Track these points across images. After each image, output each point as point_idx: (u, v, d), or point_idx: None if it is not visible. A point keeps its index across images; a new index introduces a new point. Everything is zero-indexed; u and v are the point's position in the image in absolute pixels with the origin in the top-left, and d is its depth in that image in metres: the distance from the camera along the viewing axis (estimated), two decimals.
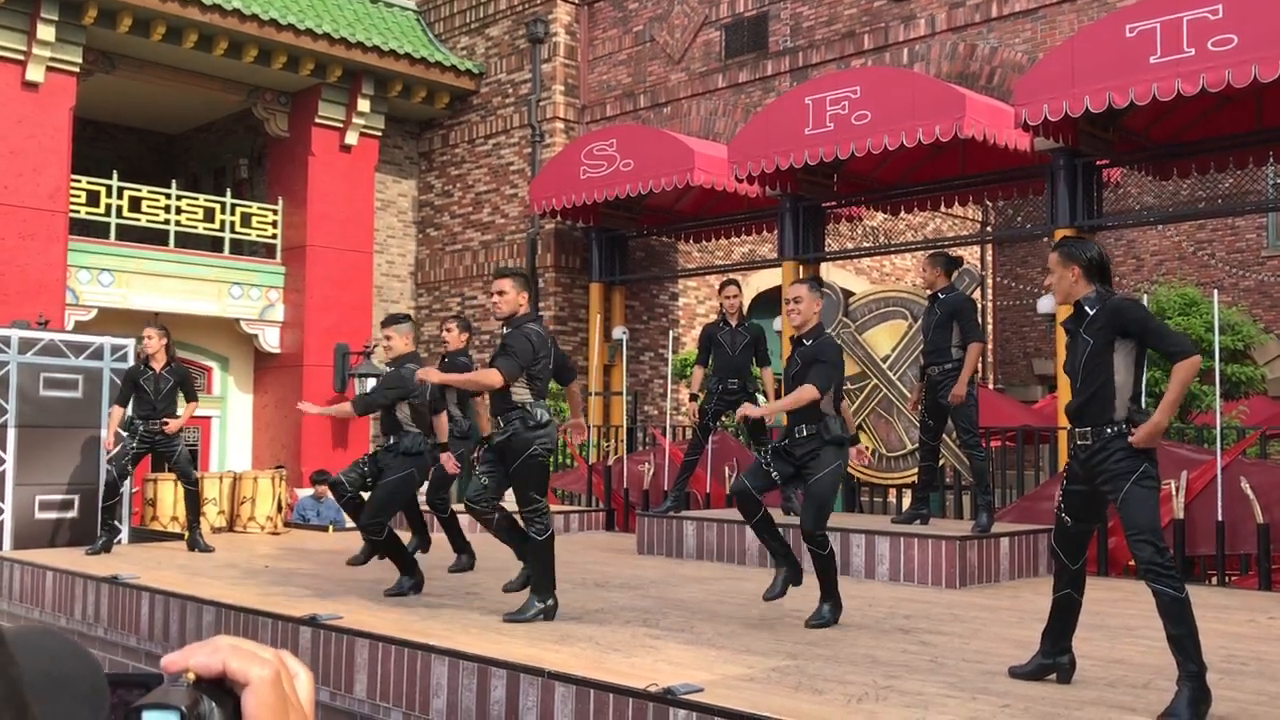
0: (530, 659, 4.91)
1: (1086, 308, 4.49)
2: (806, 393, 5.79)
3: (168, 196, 15.34)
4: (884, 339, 10.24)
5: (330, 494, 13.82)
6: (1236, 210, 14.25)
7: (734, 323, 8.80)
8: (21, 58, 13.50)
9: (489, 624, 5.86)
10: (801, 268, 12.56)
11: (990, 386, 20.06)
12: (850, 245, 15.04)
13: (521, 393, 6.01)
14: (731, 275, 13.35)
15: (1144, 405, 4.50)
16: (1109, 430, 4.36)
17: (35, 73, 13.56)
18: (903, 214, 13.88)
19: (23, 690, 0.75)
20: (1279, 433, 9.27)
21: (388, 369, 7.60)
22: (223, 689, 0.81)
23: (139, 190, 15.17)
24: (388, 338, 7.35)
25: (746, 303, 17.09)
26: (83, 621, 7.78)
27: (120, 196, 14.95)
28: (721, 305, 8.92)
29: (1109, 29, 9.36)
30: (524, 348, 5.98)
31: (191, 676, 0.80)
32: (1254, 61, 8.49)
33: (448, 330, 8.69)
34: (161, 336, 9.29)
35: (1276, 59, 8.40)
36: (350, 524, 13.44)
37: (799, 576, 6.01)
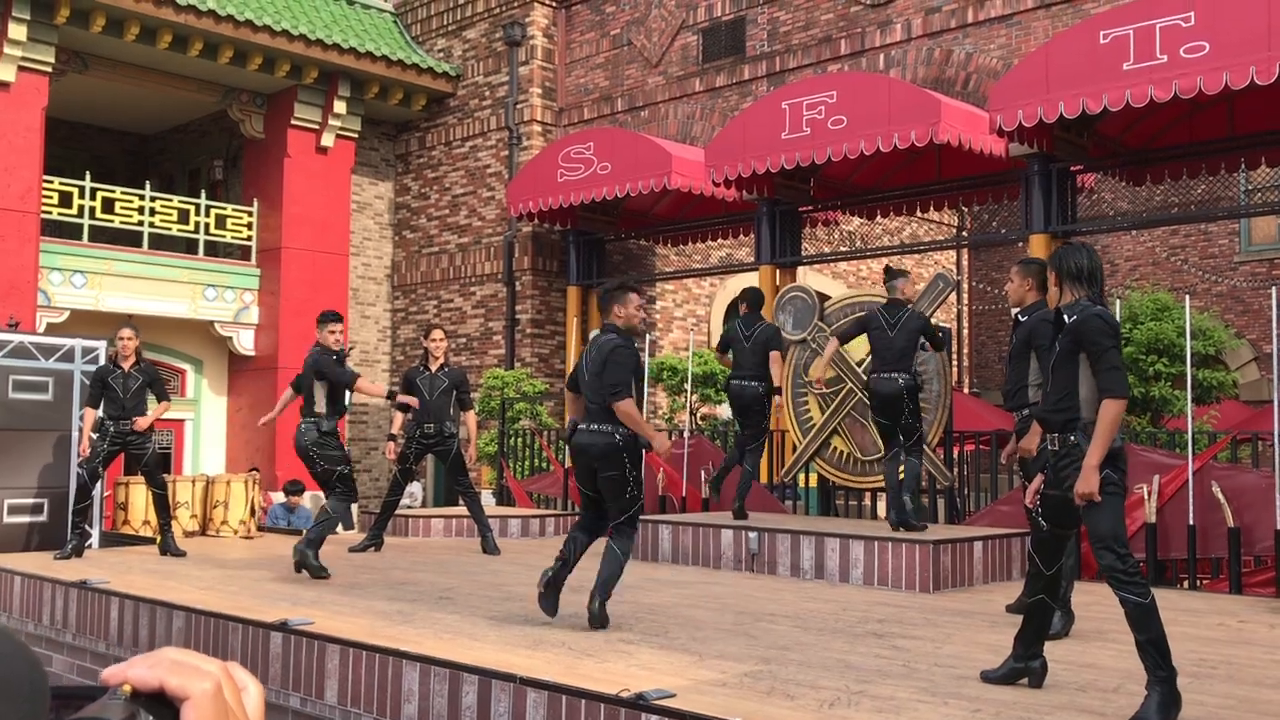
0: (502, 665, 4.88)
1: (1065, 315, 4.45)
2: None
3: (141, 198, 15.22)
4: (859, 343, 10.23)
5: (303, 503, 13.75)
6: (1209, 216, 14.35)
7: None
8: None
9: (461, 629, 5.82)
10: (779, 271, 12.58)
11: (965, 391, 20.14)
12: (827, 249, 15.07)
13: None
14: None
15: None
16: (1072, 438, 4.38)
17: (6, 72, 13.43)
18: (879, 218, 13.93)
19: None
20: (1250, 437, 9.33)
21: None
22: (163, 702, 0.79)
23: (112, 191, 15.05)
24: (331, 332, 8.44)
25: (723, 306, 17.13)
26: (51, 627, 7.70)
27: (93, 197, 14.82)
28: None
29: (1083, 35, 9.42)
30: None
31: (128, 689, 0.78)
32: (1225, 69, 8.56)
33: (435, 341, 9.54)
34: (136, 336, 9.27)
35: (1247, 66, 8.47)
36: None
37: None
